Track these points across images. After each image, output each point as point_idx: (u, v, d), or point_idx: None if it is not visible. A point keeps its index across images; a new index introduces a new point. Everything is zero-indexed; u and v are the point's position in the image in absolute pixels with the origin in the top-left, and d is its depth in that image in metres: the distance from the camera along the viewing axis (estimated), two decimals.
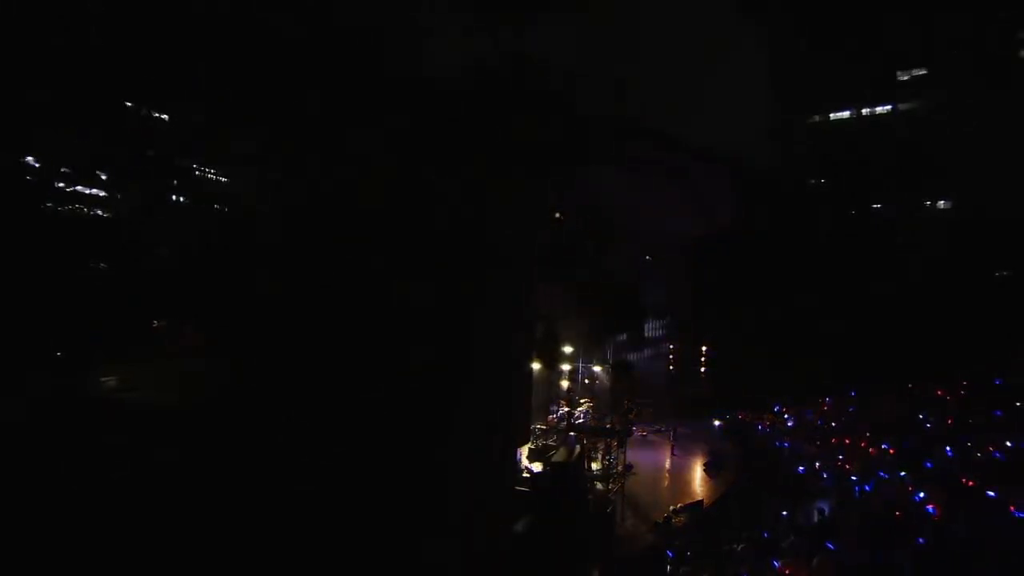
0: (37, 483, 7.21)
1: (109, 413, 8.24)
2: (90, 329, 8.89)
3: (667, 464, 20.50)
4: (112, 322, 9.09)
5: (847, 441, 19.79)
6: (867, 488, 15.28)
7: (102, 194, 9.97)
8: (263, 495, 8.00)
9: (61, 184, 9.65)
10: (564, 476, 12.78)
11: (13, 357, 8.19)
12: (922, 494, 14.41)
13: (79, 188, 9.69)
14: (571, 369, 18.49)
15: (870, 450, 18.39)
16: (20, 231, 8.89)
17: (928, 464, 16.68)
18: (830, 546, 12.23)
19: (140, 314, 9.55)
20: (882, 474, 16.09)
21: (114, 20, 9.02)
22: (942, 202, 39.99)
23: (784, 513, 14.48)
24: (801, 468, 17.67)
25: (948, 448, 17.76)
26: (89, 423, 8.05)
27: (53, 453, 7.61)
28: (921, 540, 12.21)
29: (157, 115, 10.29)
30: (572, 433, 17.15)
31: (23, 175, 9.25)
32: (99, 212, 10.02)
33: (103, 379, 8.74)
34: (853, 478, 16.07)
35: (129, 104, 9.75)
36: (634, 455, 19.18)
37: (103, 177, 9.99)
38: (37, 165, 9.44)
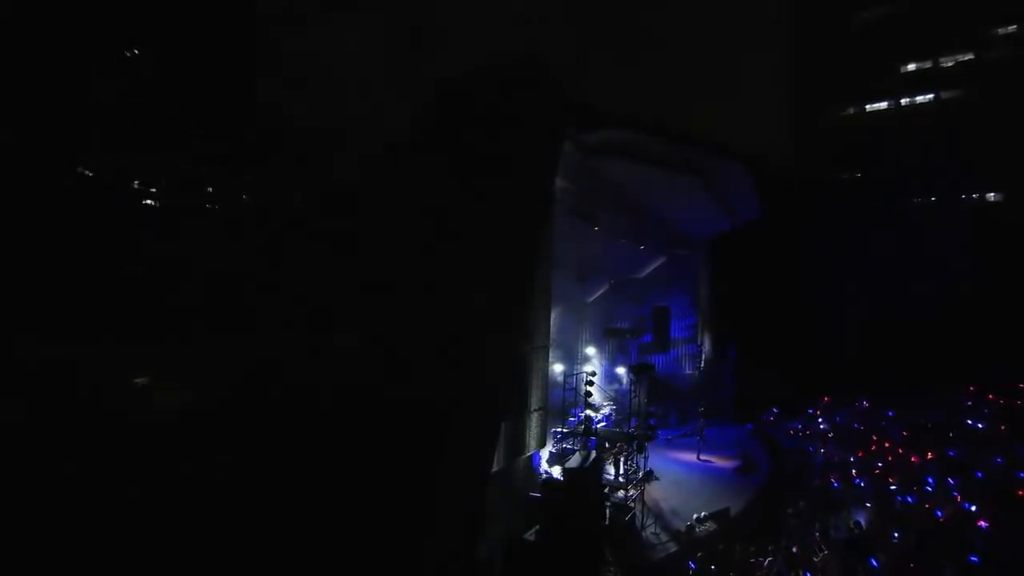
0: (49, 484, 7.24)
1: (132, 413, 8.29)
2: (112, 328, 8.93)
3: (692, 470, 19.68)
4: (129, 321, 9.11)
5: (886, 445, 18.60)
6: (908, 499, 14.22)
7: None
8: (261, 498, 7.87)
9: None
10: (579, 481, 12.32)
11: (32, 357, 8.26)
12: (973, 507, 13.33)
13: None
14: (593, 372, 18.09)
15: (912, 457, 17.18)
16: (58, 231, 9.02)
17: (979, 474, 15.46)
18: (873, 563, 11.39)
19: (151, 312, 9.55)
20: (926, 485, 14.98)
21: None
22: (992, 195, 38.04)
23: (817, 524, 13.63)
24: (834, 475, 16.68)
25: (999, 457, 16.46)
26: (105, 424, 8.07)
27: (69, 452, 7.65)
28: (974, 559, 11.25)
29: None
30: (592, 437, 16.65)
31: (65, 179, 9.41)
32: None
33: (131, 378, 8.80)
34: (893, 487, 15.02)
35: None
36: (657, 460, 18.49)
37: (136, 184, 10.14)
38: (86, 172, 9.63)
